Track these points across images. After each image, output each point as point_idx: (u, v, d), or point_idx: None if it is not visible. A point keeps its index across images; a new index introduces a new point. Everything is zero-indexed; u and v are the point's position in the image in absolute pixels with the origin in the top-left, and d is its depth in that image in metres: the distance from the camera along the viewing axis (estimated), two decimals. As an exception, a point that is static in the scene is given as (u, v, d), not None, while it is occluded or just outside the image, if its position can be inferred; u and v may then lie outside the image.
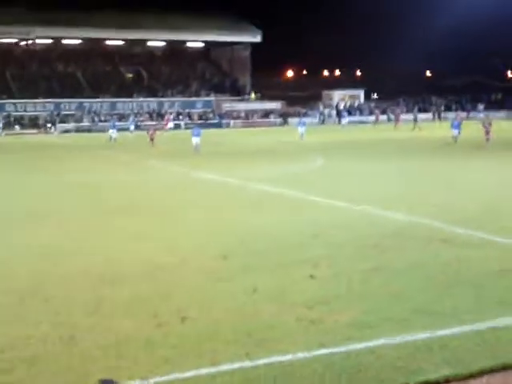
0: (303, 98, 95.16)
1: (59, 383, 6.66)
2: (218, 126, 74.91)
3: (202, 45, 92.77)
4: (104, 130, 58.30)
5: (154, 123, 61.52)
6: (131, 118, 66.58)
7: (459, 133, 41.58)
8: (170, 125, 71.53)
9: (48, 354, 7.47)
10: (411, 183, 22.45)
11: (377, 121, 73.61)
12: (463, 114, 65.07)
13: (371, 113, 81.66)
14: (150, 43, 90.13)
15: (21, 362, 7.26)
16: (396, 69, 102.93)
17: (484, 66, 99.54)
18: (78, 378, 6.57)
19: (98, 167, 30.53)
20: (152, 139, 45.63)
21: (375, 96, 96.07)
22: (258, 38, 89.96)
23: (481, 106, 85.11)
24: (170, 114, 76.71)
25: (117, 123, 57.24)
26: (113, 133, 50.67)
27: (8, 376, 6.92)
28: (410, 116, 65.37)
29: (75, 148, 45.24)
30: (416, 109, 72.50)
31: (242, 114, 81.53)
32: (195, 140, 38.88)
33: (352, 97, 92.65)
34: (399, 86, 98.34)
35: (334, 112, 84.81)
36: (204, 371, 6.97)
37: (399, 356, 7.36)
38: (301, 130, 52.96)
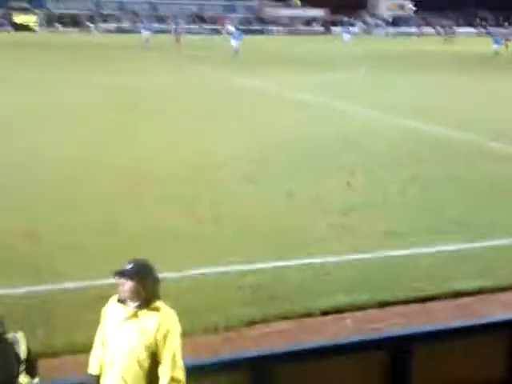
0: (348, 6, 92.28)
1: (97, 269, 6.78)
2: (260, 32, 73.36)
3: None
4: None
5: (175, 27, 57.40)
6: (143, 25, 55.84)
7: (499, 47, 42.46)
8: (230, 28, 66.81)
9: (87, 243, 7.64)
10: (451, 97, 21.94)
11: (421, 33, 71.25)
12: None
13: (418, 25, 79.07)
14: None
15: (62, 249, 7.45)
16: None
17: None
18: (115, 264, 6.69)
19: (134, 69, 30.28)
20: (177, 40, 45.57)
21: (414, 7, 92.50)
22: None
23: None
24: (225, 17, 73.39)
25: (154, 25, 55.87)
26: (146, 34, 49.26)
27: (49, 259, 7.11)
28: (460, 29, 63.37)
29: (113, 48, 44.85)
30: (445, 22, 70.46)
31: (285, 21, 79.59)
32: (235, 43, 38.16)
33: (399, 7, 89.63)
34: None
35: (379, 22, 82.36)
36: (236, 268, 7.09)
37: (432, 265, 7.38)
38: (345, 38, 51.93)
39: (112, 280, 6.17)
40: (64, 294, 6.42)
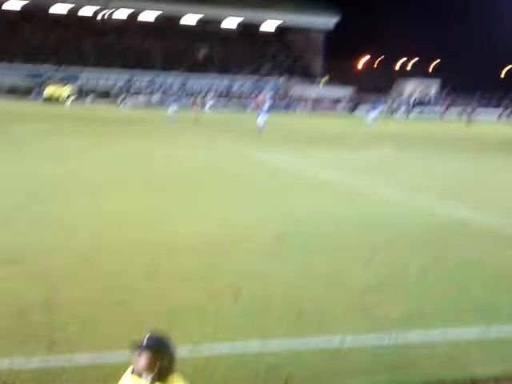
0: (375, 86, 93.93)
1: (110, 343, 6.79)
2: (285, 110, 74.54)
3: (276, 27, 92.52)
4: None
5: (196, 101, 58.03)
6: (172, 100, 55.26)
7: None
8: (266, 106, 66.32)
9: (101, 315, 7.64)
10: (474, 181, 21.96)
11: (444, 113, 71.78)
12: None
13: (442, 107, 79.86)
14: (224, 22, 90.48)
15: (77, 321, 7.44)
16: (474, 63, 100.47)
17: None
18: (130, 338, 6.67)
19: (159, 143, 30.85)
20: (196, 116, 46.51)
21: (447, 89, 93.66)
22: (333, 21, 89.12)
23: None
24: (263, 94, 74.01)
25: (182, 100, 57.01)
26: (173, 110, 49.46)
27: (62, 332, 7.10)
28: (485, 112, 63.90)
29: (141, 123, 45.81)
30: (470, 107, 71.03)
31: (310, 101, 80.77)
32: (261, 120, 38.94)
33: (425, 87, 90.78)
34: (475, 80, 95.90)
35: (405, 102, 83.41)
36: (253, 346, 7.01)
37: (451, 350, 7.24)
38: (369, 117, 52.63)
39: (124, 356, 6.23)
40: (77, 367, 6.38)
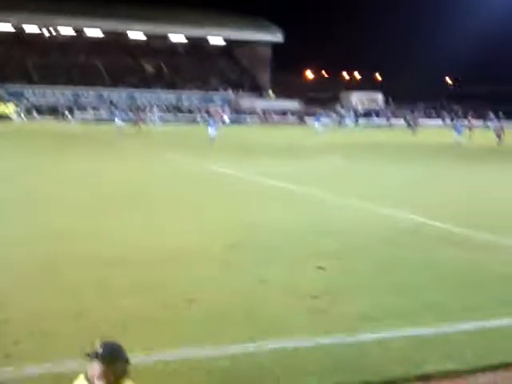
0: (322, 98, 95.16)
1: (67, 353, 6.74)
2: (235, 122, 74.86)
3: (222, 42, 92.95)
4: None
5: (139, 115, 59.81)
6: (117, 112, 59.20)
7: (460, 136, 44.71)
8: (226, 119, 69.88)
9: (55, 328, 7.58)
10: (422, 186, 22.45)
11: (389, 124, 73.28)
12: (475, 122, 63.94)
13: (387, 117, 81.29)
14: (171, 38, 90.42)
15: (28, 334, 7.37)
16: (416, 74, 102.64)
17: (508, 74, 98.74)
18: (85, 349, 6.65)
19: (107, 157, 30.63)
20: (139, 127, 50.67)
21: (391, 100, 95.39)
22: (279, 38, 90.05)
23: (492, 116, 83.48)
24: (219, 108, 75.27)
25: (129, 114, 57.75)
26: (119, 122, 51.33)
27: (15, 347, 7.03)
28: (428, 121, 65.50)
29: (89, 137, 45.47)
30: (410, 114, 72.93)
31: (259, 112, 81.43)
32: (212, 132, 40.18)
33: (370, 100, 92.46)
34: (418, 91, 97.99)
35: (351, 113, 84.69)
36: (207, 352, 7.05)
37: (403, 349, 7.39)
38: (317, 125, 54.05)
39: (78, 366, 6.20)
40: (30, 380, 6.32)
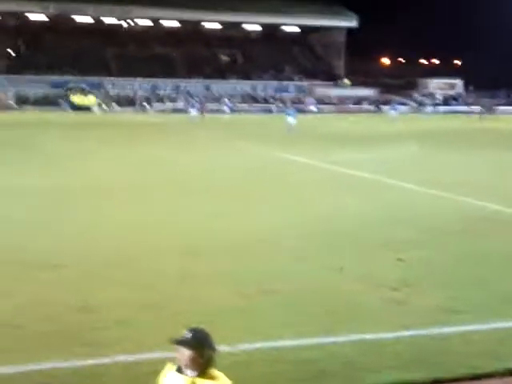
0: (398, 85, 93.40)
1: (149, 343, 6.88)
2: (310, 111, 74.46)
3: (296, 29, 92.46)
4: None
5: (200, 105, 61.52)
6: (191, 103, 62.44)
7: None
8: (313, 108, 70.81)
9: (138, 318, 7.74)
10: (499, 174, 21.83)
11: (470, 111, 71.21)
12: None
13: (466, 103, 79.06)
14: (245, 26, 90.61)
15: (114, 323, 7.56)
16: (496, 60, 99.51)
17: None
18: (166, 338, 6.77)
19: (185, 146, 30.99)
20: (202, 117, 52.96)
21: (472, 87, 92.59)
22: (353, 23, 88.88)
23: None
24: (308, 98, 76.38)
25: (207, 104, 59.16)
26: (193, 113, 54.06)
27: (99, 334, 7.22)
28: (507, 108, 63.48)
29: (165, 127, 46.10)
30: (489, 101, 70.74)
31: (335, 100, 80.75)
32: (292, 121, 40.72)
33: (450, 86, 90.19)
34: (499, 77, 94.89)
35: (429, 101, 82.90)
36: (288, 343, 7.06)
37: (486, 342, 7.23)
38: (392, 113, 53.42)
39: (162, 354, 6.32)
40: (116, 367, 6.47)
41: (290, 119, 41.50)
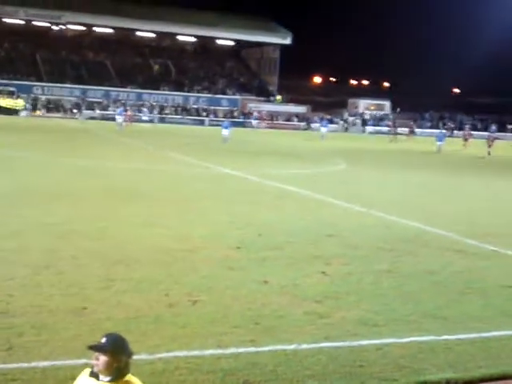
0: (329, 104, 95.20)
1: (67, 350, 6.81)
2: (242, 125, 74.94)
3: (231, 43, 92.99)
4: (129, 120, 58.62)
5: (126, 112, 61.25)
6: (118, 110, 60.35)
7: (441, 144, 46.84)
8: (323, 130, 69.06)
9: (58, 323, 7.64)
10: (425, 194, 22.55)
11: (395, 133, 72.92)
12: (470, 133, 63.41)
13: (389, 125, 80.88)
14: (180, 38, 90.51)
15: (33, 328, 7.44)
16: (424, 83, 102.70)
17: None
18: (86, 345, 6.70)
19: (115, 154, 30.70)
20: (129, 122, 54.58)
21: (398, 110, 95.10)
22: (287, 40, 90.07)
23: (494, 127, 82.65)
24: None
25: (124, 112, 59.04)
26: (119, 119, 54.13)
27: (18, 339, 7.09)
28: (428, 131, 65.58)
29: (96, 133, 45.55)
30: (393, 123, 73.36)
31: (266, 116, 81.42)
32: (225, 132, 42.95)
33: (378, 107, 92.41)
34: (426, 100, 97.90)
35: (358, 120, 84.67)
36: (209, 352, 7.10)
37: (403, 355, 7.44)
38: (322, 130, 55.01)
39: (81, 360, 6.26)
40: (34, 373, 6.37)
41: (225, 131, 43.22)
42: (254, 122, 71.21)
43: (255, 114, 76.56)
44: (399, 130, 66.09)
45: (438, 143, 47.08)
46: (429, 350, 7.64)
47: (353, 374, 6.86)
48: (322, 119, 70.65)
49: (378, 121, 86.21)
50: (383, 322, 8.45)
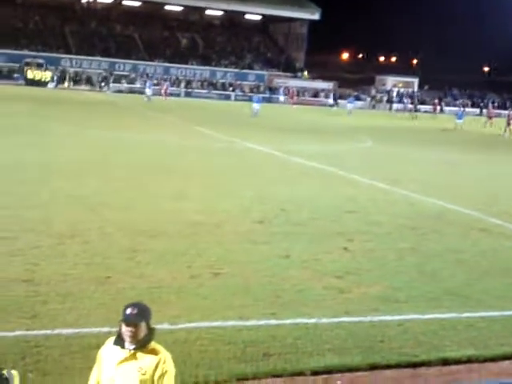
0: (356, 80, 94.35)
1: (91, 318, 6.93)
2: (268, 100, 74.63)
3: (259, 18, 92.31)
4: (158, 94, 58.64)
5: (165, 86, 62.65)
6: (148, 83, 61.60)
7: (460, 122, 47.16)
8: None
9: (83, 292, 7.76)
10: (449, 171, 22.37)
11: (415, 110, 71.99)
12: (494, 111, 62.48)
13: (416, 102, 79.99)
14: (208, 12, 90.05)
15: (56, 295, 7.57)
16: (453, 61, 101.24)
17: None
18: (111, 313, 6.84)
19: (143, 127, 30.77)
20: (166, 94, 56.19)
21: (426, 87, 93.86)
22: (316, 16, 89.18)
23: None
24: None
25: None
26: (149, 92, 55.38)
27: (43, 307, 7.22)
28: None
29: (123, 107, 45.69)
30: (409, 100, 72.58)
31: (294, 91, 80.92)
32: (256, 106, 44.90)
33: (405, 84, 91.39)
34: (455, 78, 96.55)
35: (385, 97, 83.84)
36: (231, 323, 7.18)
37: (424, 332, 7.45)
38: (349, 106, 54.87)
39: (104, 329, 6.37)
40: (58, 340, 6.49)
41: (256, 105, 45.00)
42: (282, 98, 70.98)
43: (282, 89, 76.23)
44: (425, 107, 65.55)
45: (458, 121, 47.30)
46: (450, 327, 7.64)
47: (373, 348, 6.89)
48: (348, 96, 70.09)
49: (406, 98, 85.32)
50: (404, 299, 8.46)
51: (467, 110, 72.75)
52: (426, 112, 62.71)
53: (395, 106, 75.18)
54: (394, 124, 49.78)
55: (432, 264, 10.27)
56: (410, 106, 67.92)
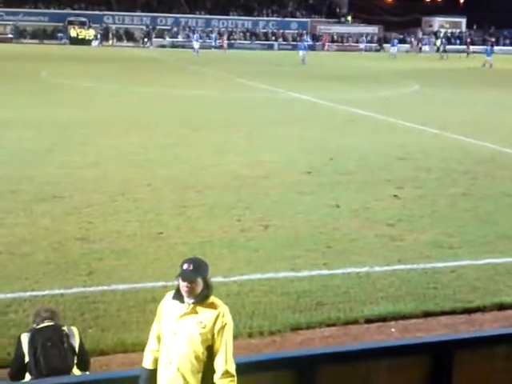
0: (402, 23, 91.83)
1: (146, 273, 7.06)
2: (312, 48, 73.56)
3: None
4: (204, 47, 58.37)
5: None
6: (195, 36, 60.70)
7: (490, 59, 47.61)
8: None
9: (137, 248, 7.90)
10: (499, 113, 21.81)
11: (470, 51, 70.00)
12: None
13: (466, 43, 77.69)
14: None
15: (111, 252, 7.73)
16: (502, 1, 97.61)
17: None
18: (165, 268, 6.97)
19: (187, 82, 30.72)
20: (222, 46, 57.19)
21: (475, 27, 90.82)
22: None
23: None
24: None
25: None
26: (196, 45, 55.06)
27: (99, 264, 7.38)
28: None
29: (167, 62, 45.61)
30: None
31: (337, 38, 79.54)
32: (302, 54, 45.56)
33: (453, 25, 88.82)
34: (505, 17, 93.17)
35: (432, 39, 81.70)
36: (283, 275, 7.23)
37: (478, 277, 7.39)
38: (392, 50, 54.34)
39: (159, 283, 6.49)
40: (114, 295, 6.64)
41: (302, 53, 45.83)
42: (325, 45, 70.15)
43: (325, 36, 75.21)
44: (474, 48, 63.71)
45: (487, 58, 47.57)
46: (505, 272, 7.56)
47: (426, 295, 6.87)
48: (393, 39, 68.51)
49: (454, 39, 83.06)
50: (458, 245, 8.37)
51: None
52: (472, 53, 60.88)
53: (442, 47, 73.22)
54: (442, 66, 48.59)
55: (485, 208, 10.11)
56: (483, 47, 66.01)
